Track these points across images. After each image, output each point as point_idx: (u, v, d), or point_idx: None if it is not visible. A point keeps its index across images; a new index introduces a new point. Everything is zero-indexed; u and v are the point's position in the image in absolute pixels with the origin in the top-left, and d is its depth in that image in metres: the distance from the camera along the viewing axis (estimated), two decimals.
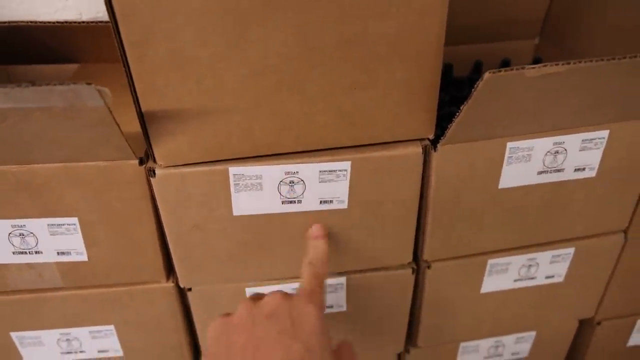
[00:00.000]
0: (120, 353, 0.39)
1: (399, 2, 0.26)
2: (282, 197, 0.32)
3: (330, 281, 0.37)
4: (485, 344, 0.45)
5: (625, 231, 0.40)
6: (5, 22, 0.40)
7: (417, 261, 0.38)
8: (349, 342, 0.27)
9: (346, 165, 0.31)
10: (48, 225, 0.31)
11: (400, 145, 0.31)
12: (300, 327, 0.23)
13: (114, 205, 0.31)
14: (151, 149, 0.29)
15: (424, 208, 0.34)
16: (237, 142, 0.29)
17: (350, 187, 0.32)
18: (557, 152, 0.33)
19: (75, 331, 0.37)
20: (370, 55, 0.27)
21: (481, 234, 0.37)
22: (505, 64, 0.50)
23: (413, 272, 0.37)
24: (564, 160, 0.34)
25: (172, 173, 0.30)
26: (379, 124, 0.30)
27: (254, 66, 0.27)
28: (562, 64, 0.27)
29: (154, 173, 0.30)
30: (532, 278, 0.40)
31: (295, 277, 0.36)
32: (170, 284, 0.35)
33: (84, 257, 0.33)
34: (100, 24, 0.41)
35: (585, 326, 0.47)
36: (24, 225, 0.31)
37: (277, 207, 0.32)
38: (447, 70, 0.48)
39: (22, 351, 0.38)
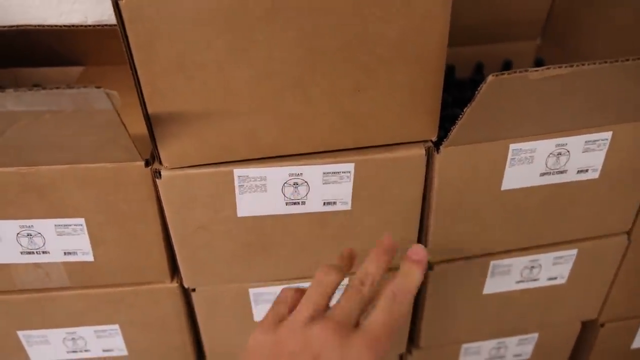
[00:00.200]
0: (125, 352, 0.39)
1: (402, 5, 0.26)
2: (286, 198, 0.32)
3: None
4: (488, 345, 0.45)
5: (628, 233, 0.40)
6: (12, 26, 0.41)
7: None
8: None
9: (350, 167, 0.31)
10: (55, 225, 0.32)
11: (403, 147, 0.32)
12: None
13: (120, 206, 0.31)
14: (157, 150, 0.29)
15: (427, 209, 0.35)
16: (241, 144, 0.30)
17: (353, 189, 0.32)
18: (559, 153, 0.33)
19: (80, 330, 0.37)
20: (373, 58, 0.28)
21: (484, 236, 0.37)
22: (507, 65, 0.50)
23: None
24: (566, 162, 0.34)
25: (177, 175, 0.30)
26: (382, 126, 0.31)
27: (258, 69, 0.27)
28: (566, 67, 0.27)
29: (160, 175, 0.30)
30: (535, 280, 0.40)
31: (297, 278, 0.36)
32: (175, 285, 0.36)
33: (90, 257, 0.33)
34: (105, 27, 0.41)
35: (588, 328, 0.47)
36: (32, 226, 0.32)
37: (281, 209, 0.32)
38: (448, 71, 0.48)
39: (29, 350, 0.38)
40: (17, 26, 0.41)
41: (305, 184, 0.31)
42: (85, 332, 0.37)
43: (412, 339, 0.43)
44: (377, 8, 0.26)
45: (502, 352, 0.46)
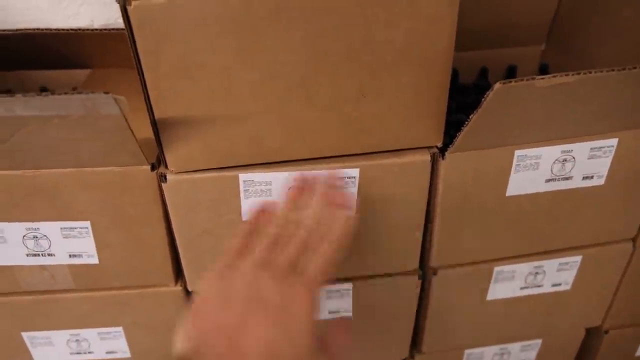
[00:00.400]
0: (128, 354, 0.39)
1: (408, 10, 0.26)
2: None
3: (336, 287, 0.37)
4: (491, 351, 0.45)
5: (633, 239, 0.40)
6: (19, 30, 0.41)
7: (424, 268, 0.38)
8: (346, 318, 0.25)
9: (355, 172, 0.31)
10: (61, 228, 0.32)
11: (408, 152, 0.32)
12: (289, 317, 0.21)
13: (125, 210, 0.31)
14: (163, 154, 0.29)
15: (431, 215, 0.35)
16: (247, 149, 0.30)
17: (358, 194, 0.32)
18: (565, 160, 0.33)
19: (84, 332, 0.37)
20: (378, 62, 0.28)
21: (488, 242, 0.37)
22: (511, 70, 0.50)
23: (419, 279, 0.37)
24: (572, 169, 0.34)
25: (183, 179, 0.30)
26: (387, 131, 0.31)
27: (263, 74, 0.27)
28: (572, 74, 0.27)
29: (166, 179, 0.30)
30: (539, 286, 0.40)
31: None
32: (179, 288, 0.36)
33: (95, 260, 0.34)
34: (111, 31, 0.41)
35: (592, 335, 0.47)
36: (38, 228, 0.32)
37: None
38: (453, 76, 0.48)
39: (33, 351, 0.38)
40: (24, 29, 0.41)
41: None
42: (89, 334, 0.38)
43: (415, 343, 0.43)
44: (382, 10, 0.26)
45: (505, 358, 0.46)
